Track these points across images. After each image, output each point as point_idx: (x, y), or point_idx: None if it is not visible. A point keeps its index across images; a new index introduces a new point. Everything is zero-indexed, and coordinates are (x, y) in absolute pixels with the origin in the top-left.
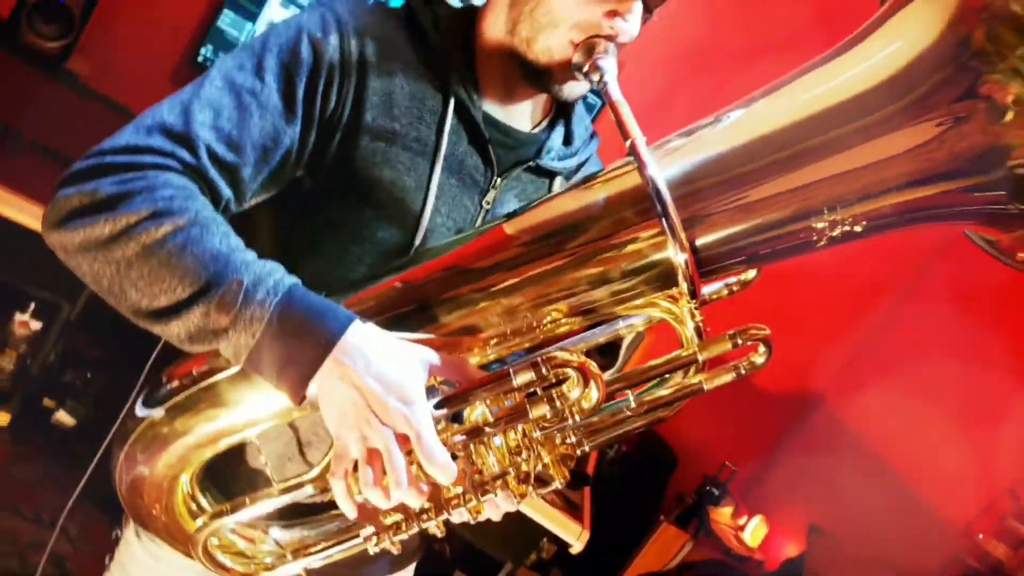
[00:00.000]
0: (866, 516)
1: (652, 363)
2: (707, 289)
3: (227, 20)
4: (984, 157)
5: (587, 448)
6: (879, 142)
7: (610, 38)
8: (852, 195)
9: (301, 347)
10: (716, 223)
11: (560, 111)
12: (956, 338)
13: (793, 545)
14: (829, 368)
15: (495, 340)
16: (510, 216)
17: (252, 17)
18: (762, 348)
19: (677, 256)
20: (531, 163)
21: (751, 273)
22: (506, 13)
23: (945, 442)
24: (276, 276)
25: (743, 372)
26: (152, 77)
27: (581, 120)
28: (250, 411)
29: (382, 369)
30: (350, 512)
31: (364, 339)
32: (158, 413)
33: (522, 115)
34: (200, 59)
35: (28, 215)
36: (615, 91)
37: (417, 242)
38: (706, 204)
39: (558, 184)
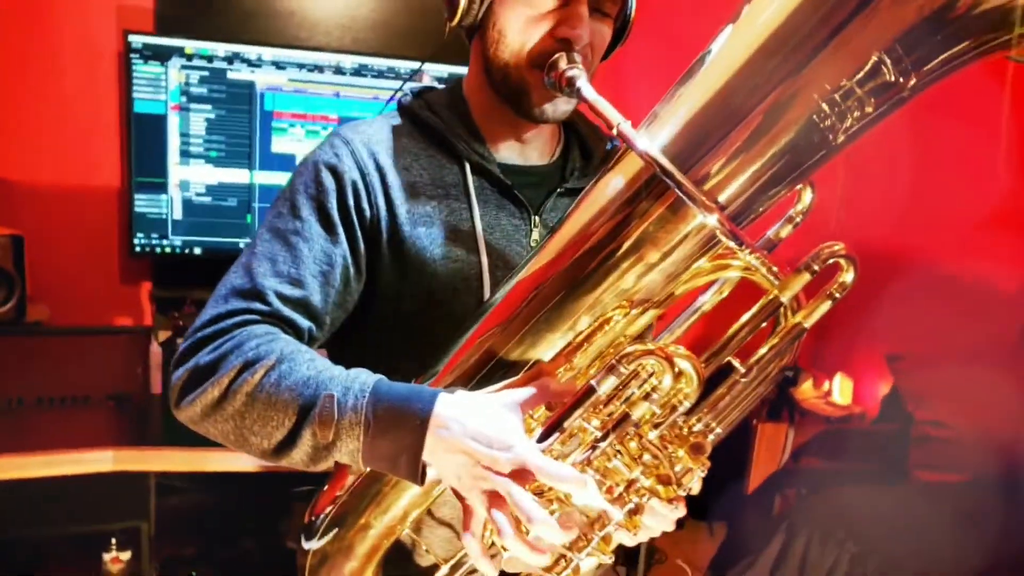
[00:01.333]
0: (929, 320)
1: (740, 322)
2: (770, 231)
3: (142, 203)
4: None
5: (719, 430)
6: (840, 36)
7: (568, 48)
8: (842, 80)
9: (401, 435)
10: (730, 168)
11: (570, 132)
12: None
13: (882, 383)
14: (827, 207)
15: (577, 356)
16: (537, 250)
17: (162, 188)
18: (844, 263)
19: (707, 218)
20: (559, 189)
21: (807, 198)
22: (481, 67)
23: (972, 211)
24: (361, 379)
25: (837, 296)
26: (103, 286)
27: (594, 132)
28: (396, 501)
29: (477, 427)
30: (489, 570)
31: (453, 407)
32: (322, 541)
33: (538, 152)
34: (138, 248)
35: (65, 466)
36: (589, 92)
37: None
38: (711, 154)
39: None
